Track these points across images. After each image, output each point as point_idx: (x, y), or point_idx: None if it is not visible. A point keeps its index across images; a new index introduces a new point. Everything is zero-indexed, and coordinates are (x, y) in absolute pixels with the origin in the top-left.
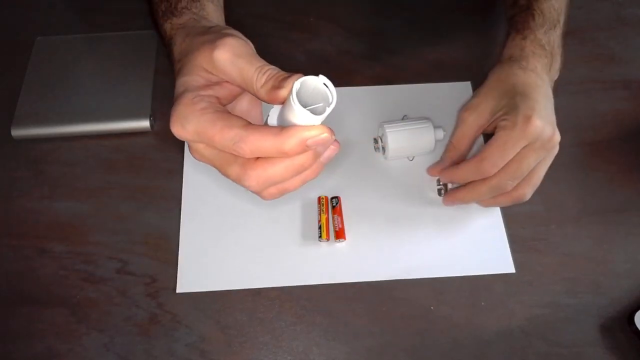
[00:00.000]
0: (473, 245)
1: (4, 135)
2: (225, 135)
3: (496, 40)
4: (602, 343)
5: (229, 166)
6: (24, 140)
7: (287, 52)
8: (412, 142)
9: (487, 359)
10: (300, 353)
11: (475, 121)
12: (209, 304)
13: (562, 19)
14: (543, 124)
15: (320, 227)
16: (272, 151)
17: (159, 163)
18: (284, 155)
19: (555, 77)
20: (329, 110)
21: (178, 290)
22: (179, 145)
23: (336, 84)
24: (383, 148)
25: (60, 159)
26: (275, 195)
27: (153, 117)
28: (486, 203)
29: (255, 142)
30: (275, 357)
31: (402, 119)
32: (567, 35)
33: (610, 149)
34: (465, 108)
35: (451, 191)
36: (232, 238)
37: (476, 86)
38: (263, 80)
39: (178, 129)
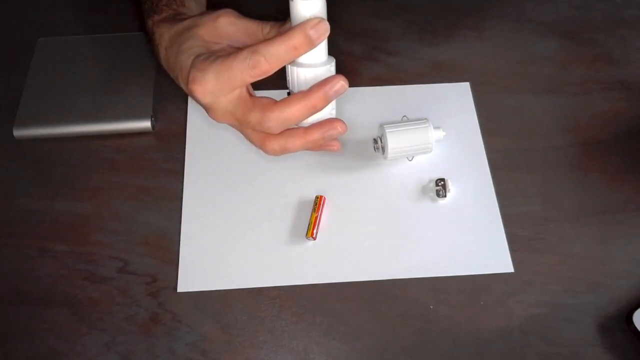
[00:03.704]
0: (472, 245)
1: (6, 136)
2: (240, 56)
3: (496, 41)
4: (601, 342)
5: (250, 113)
6: (25, 140)
7: None
8: (411, 143)
9: (486, 358)
10: (301, 352)
11: None
12: (210, 303)
13: None
14: None
15: (308, 225)
16: (283, 52)
17: (160, 163)
18: (295, 52)
19: None
20: None
21: (179, 290)
22: (180, 145)
23: None
24: (383, 148)
25: (62, 159)
26: (277, 151)
27: (154, 118)
28: None
29: (267, 50)
30: (276, 356)
31: (401, 119)
32: (568, 36)
33: (609, 149)
34: None
35: None
36: (233, 237)
37: (476, 86)
38: (268, 27)
39: (197, 86)
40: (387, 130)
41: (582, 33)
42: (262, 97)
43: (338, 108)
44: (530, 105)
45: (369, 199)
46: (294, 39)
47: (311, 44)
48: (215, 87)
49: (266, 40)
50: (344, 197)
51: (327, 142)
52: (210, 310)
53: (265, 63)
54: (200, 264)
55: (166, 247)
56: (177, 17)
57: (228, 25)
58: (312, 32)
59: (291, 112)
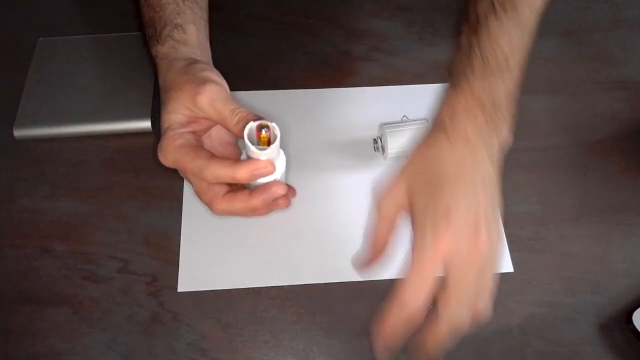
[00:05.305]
0: None
1: (6, 136)
2: (194, 164)
3: None
4: (600, 342)
5: (203, 194)
6: (26, 140)
7: (287, 53)
8: (411, 143)
9: (485, 358)
10: (301, 352)
11: (391, 209)
12: (210, 303)
13: (514, 63)
14: (457, 236)
15: None
16: (227, 178)
17: (160, 163)
18: (237, 181)
19: (505, 139)
20: (270, 148)
21: (179, 289)
22: None
23: (336, 85)
24: (382, 148)
25: (62, 159)
26: (223, 213)
27: (154, 118)
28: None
29: (215, 171)
30: (276, 356)
31: (401, 119)
32: (567, 36)
33: (608, 149)
34: (379, 193)
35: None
36: (233, 237)
37: None
38: (235, 120)
39: (162, 158)
40: (387, 130)
41: (582, 33)
42: (216, 184)
43: (339, 108)
44: (530, 105)
45: (369, 199)
46: (239, 174)
47: (253, 179)
48: (173, 165)
49: (217, 163)
50: (344, 197)
51: (271, 205)
52: (211, 310)
53: (210, 179)
54: (201, 263)
55: (166, 247)
56: (176, 57)
57: (205, 105)
58: (256, 173)
59: (234, 208)
